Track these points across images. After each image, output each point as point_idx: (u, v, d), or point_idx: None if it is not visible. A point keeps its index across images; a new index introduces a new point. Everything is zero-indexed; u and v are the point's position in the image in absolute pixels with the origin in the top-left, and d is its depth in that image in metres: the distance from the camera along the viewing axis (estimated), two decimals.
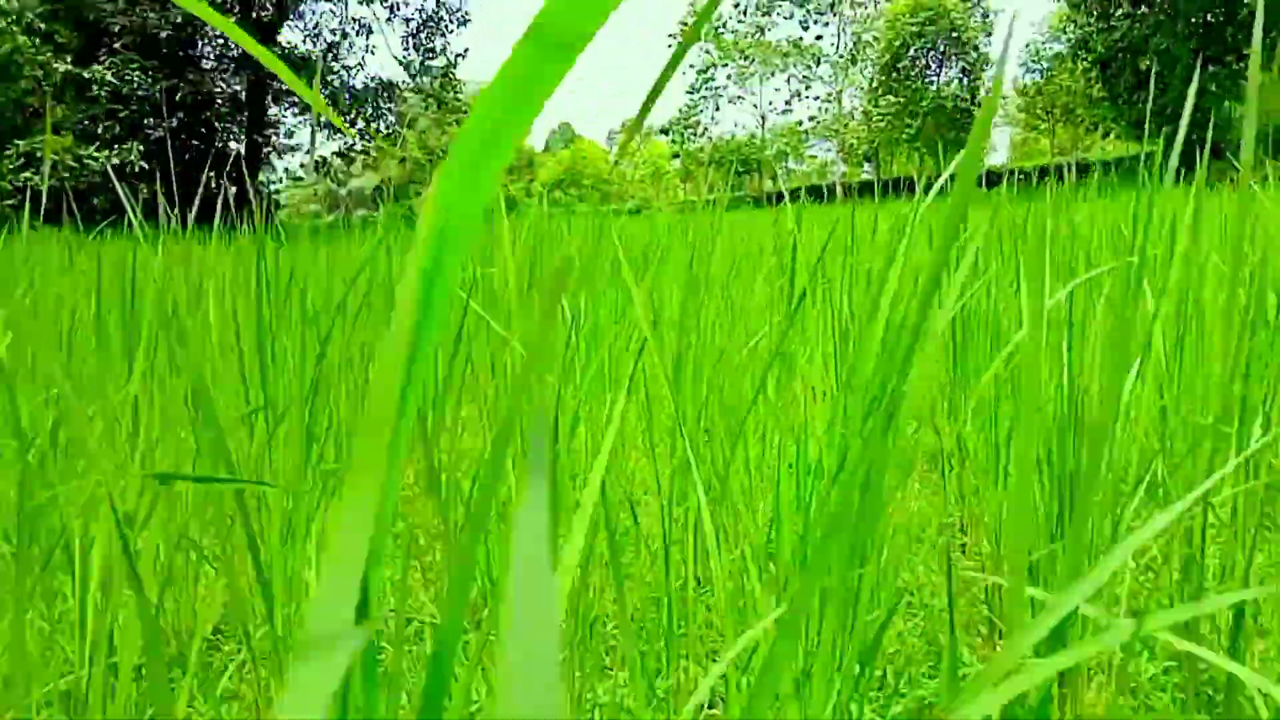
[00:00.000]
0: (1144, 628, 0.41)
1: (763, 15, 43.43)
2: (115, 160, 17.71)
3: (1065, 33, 24.35)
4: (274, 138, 23.88)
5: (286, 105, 23.63)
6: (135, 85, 17.51)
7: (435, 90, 23.36)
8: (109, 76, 17.01)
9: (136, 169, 17.90)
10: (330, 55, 23.34)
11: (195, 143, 21.81)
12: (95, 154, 17.43)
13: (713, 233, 2.89)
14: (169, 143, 19.56)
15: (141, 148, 17.93)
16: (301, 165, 26.20)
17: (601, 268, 3.02)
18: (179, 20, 17.66)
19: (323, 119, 23.16)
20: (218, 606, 1.33)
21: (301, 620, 1.15)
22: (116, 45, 18.06)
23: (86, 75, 16.67)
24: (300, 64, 22.55)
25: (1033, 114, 31.82)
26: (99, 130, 18.05)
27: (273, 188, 24.67)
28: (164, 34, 17.21)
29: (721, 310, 2.23)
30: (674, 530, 1.11)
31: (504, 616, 0.16)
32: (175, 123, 20.54)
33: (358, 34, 23.27)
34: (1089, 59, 21.08)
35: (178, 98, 18.70)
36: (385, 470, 0.22)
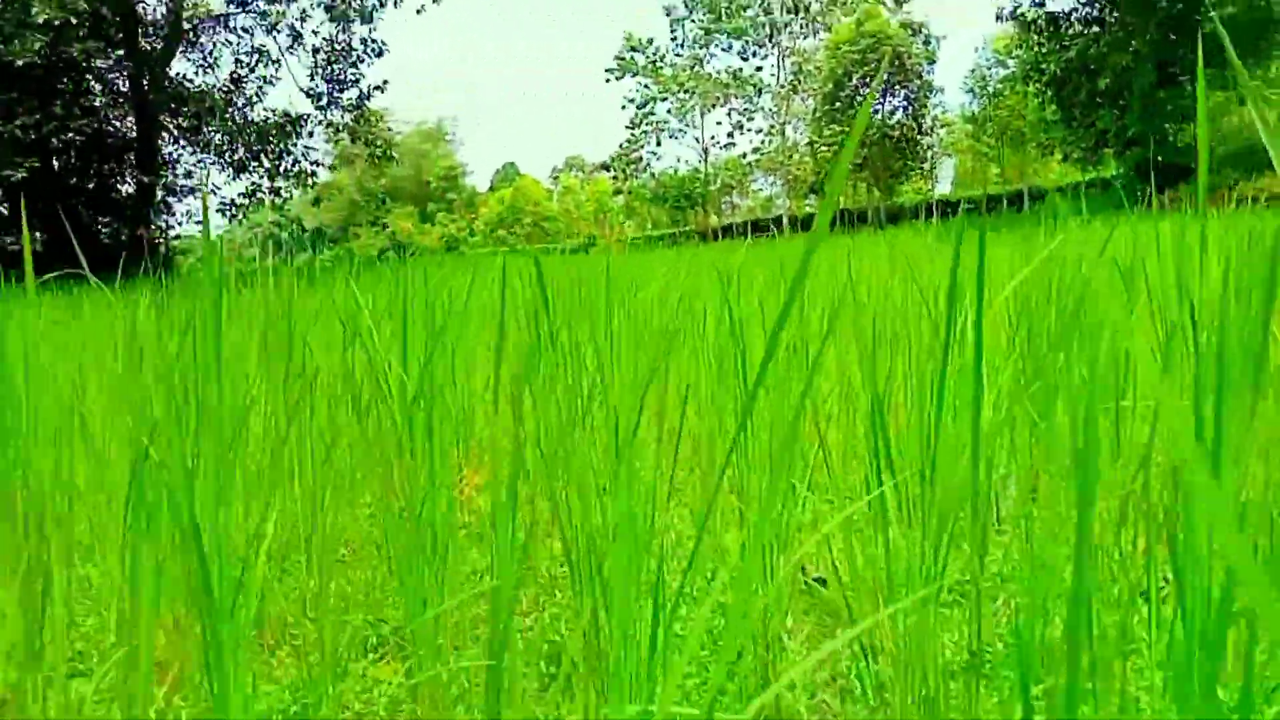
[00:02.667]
0: None
1: (700, 47, 42.46)
2: None
3: (1013, 55, 23.38)
4: (168, 178, 21.73)
5: (182, 144, 21.55)
6: None
7: (348, 124, 21.47)
8: None
9: None
10: (231, 89, 21.35)
11: (84, 185, 19.64)
12: None
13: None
14: (38, 185, 17.46)
15: None
16: (217, 209, 23.88)
17: None
18: (41, 48, 15.57)
19: (225, 158, 20.94)
20: None
21: None
22: None
23: None
24: (196, 99, 20.55)
25: (981, 141, 30.93)
26: None
27: (171, 234, 22.42)
28: (19, 63, 15.08)
29: None
30: None
31: None
32: (51, 164, 18.43)
33: (262, 64, 21.33)
34: (1041, 80, 20.02)
35: (44, 133, 16.57)
36: None
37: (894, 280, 2.73)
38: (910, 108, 31.18)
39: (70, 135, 17.56)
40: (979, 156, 34.16)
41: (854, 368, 1.84)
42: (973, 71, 30.26)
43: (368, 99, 21.57)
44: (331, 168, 23.66)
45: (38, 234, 19.55)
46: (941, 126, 32.42)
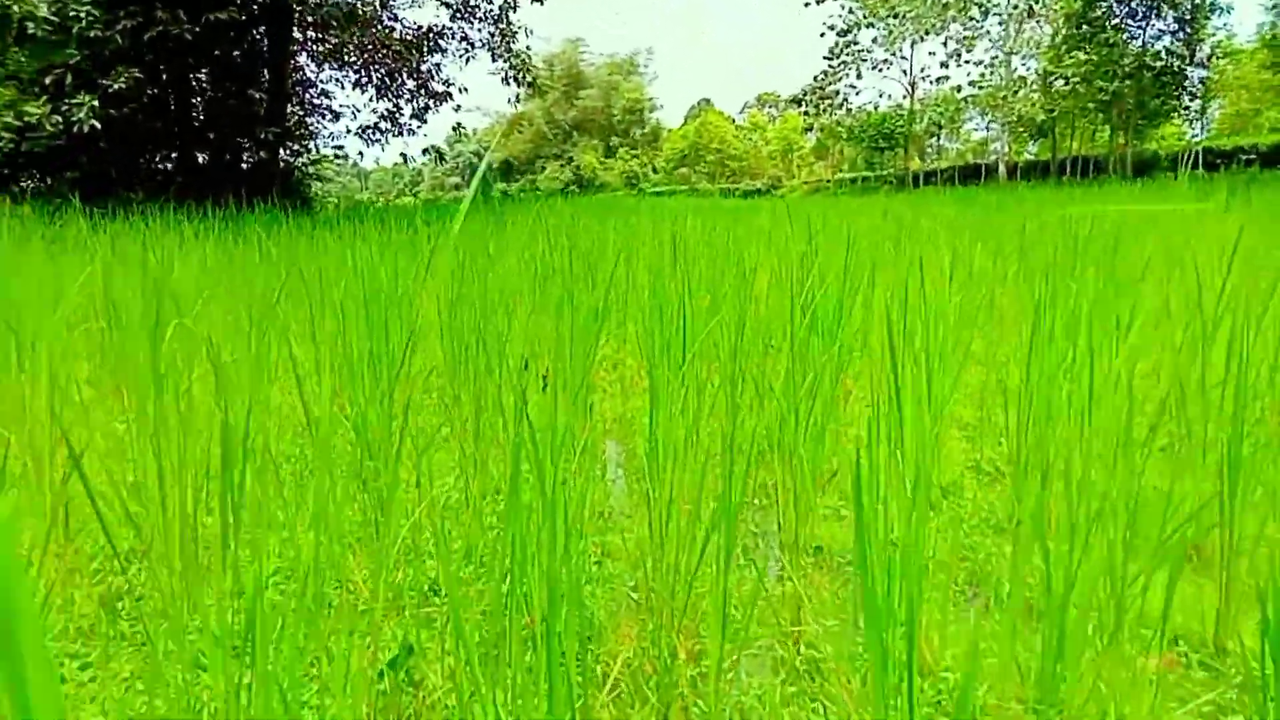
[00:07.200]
0: None
1: None
2: (58, 120, 14.04)
3: None
4: (307, 98, 19.96)
5: (316, 61, 19.65)
6: (83, 24, 13.71)
7: (489, 41, 18.78)
8: (43, 10, 13.24)
9: (86, 129, 14.16)
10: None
11: (224, 103, 18.08)
12: (35, 108, 13.80)
13: None
14: (176, 102, 15.96)
15: (95, 103, 14.13)
16: (357, 132, 21.95)
17: None
18: None
19: (363, 76, 18.60)
20: None
21: None
22: None
23: (9, 3, 12.97)
24: (315, 9, 18.43)
25: (1279, 75, 24.20)
26: (47, 81, 14.43)
27: (310, 158, 20.71)
28: None
29: None
30: None
31: None
32: (188, 78, 16.89)
33: None
34: None
35: (145, 39, 14.85)
36: None
37: None
38: (1181, 31, 24.91)
39: (178, 42, 15.76)
40: (1268, 93, 27.14)
41: None
42: None
43: (513, 10, 18.74)
44: (529, 95, 21.47)
45: (158, 154, 18.14)
46: (1223, 56, 25.80)
